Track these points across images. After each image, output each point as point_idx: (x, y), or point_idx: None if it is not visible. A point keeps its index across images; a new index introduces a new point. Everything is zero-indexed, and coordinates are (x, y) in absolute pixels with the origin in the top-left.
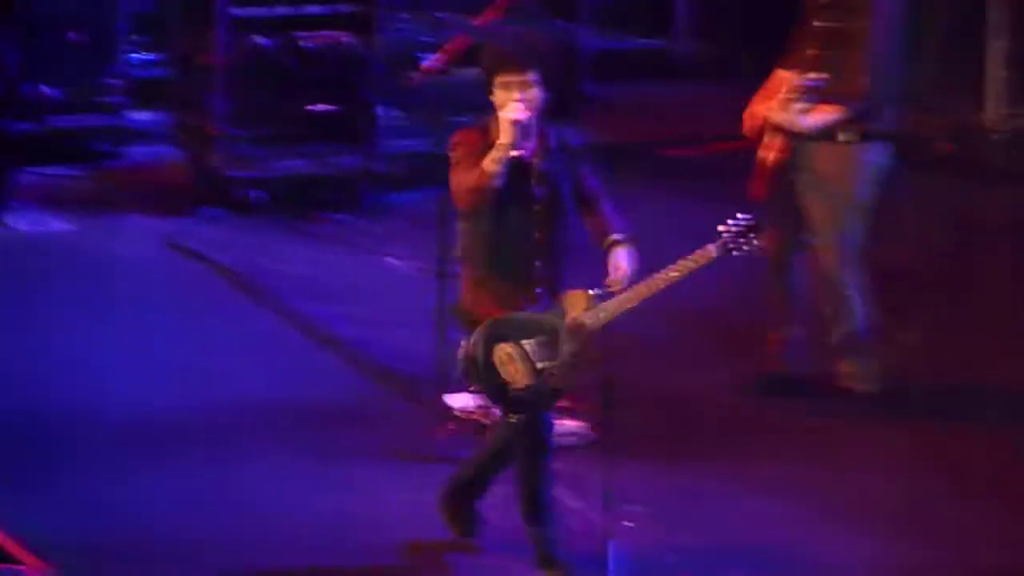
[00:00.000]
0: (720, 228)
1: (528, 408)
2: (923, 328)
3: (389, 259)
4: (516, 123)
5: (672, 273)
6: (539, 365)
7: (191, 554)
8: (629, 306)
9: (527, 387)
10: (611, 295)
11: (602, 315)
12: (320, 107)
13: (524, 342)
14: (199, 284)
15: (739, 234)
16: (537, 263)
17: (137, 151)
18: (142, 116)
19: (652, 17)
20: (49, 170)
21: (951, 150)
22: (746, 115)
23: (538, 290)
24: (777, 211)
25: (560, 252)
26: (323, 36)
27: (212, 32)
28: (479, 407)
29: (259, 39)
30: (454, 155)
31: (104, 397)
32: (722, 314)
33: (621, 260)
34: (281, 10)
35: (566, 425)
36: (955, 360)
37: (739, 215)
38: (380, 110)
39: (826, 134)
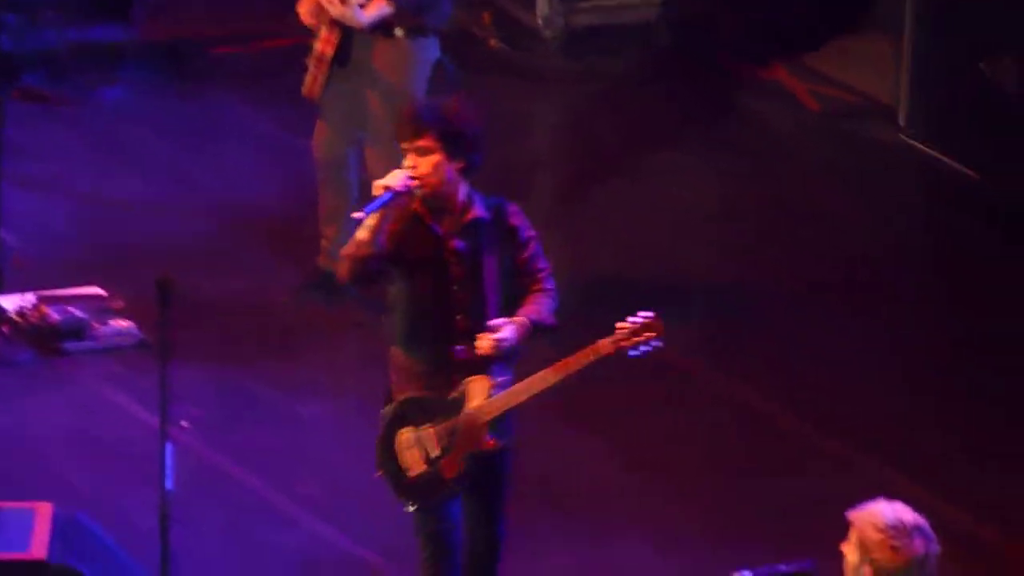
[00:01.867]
0: (617, 325)
1: (420, 499)
2: None
3: None
4: (386, 189)
5: (565, 368)
6: (433, 454)
7: None
8: (521, 400)
9: (418, 476)
10: (508, 384)
11: (496, 405)
12: None
13: (425, 427)
14: None
15: (635, 332)
16: (456, 347)
17: None
18: None
19: None
20: None
21: (498, 46)
22: (300, 9)
23: (456, 375)
24: (332, 107)
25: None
26: None
27: None
28: (32, 307)
29: None
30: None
31: None
32: (275, 213)
33: (507, 327)
34: None
35: (116, 325)
36: None
37: (640, 313)
38: None
39: (383, 29)
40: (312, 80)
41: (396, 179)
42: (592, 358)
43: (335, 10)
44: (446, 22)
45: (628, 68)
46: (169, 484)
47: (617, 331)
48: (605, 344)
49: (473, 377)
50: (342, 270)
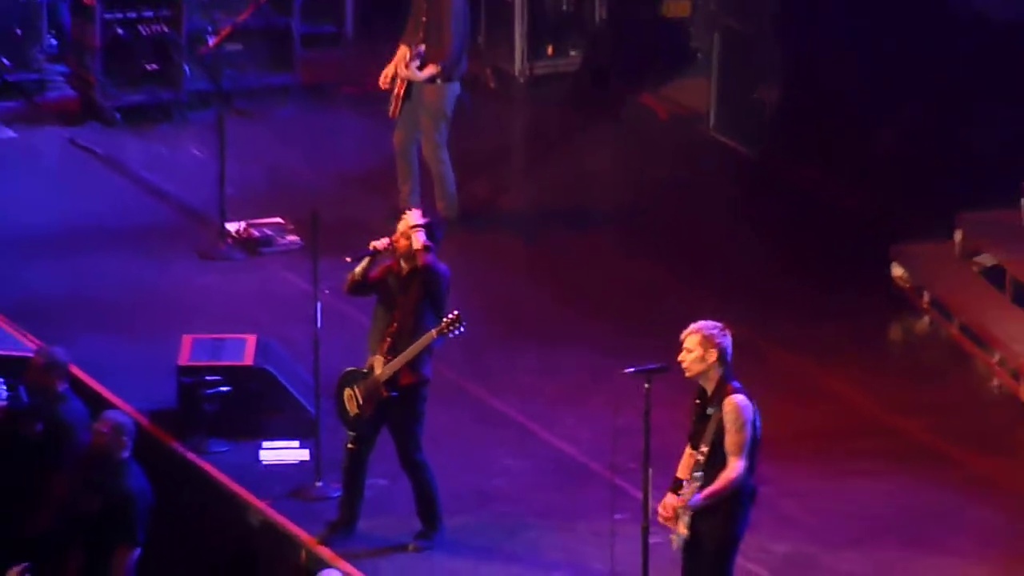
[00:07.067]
0: (444, 319)
1: (353, 428)
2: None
3: None
4: (372, 248)
5: (411, 352)
6: (361, 403)
7: None
8: (398, 366)
9: (351, 418)
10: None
11: (387, 371)
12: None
13: (356, 387)
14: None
15: (451, 324)
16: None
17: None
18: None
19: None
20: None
21: (494, 87)
22: (383, 75)
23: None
24: (403, 120)
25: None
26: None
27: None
28: (244, 229)
29: (119, 30)
30: None
31: None
32: (371, 171)
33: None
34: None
35: (289, 239)
36: None
37: (452, 312)
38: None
39: (430, 80)
40: (393, 106)
41: (378, 243)
42: (423, 343)
43: (404, 72)
44: (465, 74)
45: (563, 95)
46: (319, 324)
47: (441, 321)
48: (431, 334)
49: (374, 357)
50: (346, 285)
